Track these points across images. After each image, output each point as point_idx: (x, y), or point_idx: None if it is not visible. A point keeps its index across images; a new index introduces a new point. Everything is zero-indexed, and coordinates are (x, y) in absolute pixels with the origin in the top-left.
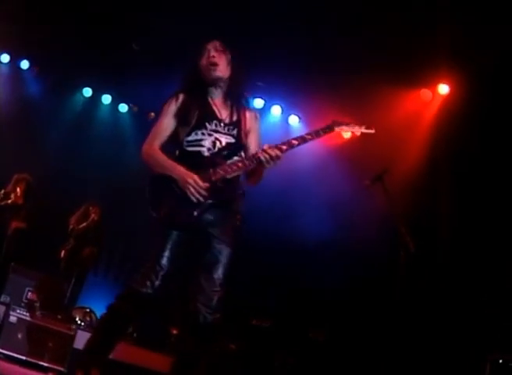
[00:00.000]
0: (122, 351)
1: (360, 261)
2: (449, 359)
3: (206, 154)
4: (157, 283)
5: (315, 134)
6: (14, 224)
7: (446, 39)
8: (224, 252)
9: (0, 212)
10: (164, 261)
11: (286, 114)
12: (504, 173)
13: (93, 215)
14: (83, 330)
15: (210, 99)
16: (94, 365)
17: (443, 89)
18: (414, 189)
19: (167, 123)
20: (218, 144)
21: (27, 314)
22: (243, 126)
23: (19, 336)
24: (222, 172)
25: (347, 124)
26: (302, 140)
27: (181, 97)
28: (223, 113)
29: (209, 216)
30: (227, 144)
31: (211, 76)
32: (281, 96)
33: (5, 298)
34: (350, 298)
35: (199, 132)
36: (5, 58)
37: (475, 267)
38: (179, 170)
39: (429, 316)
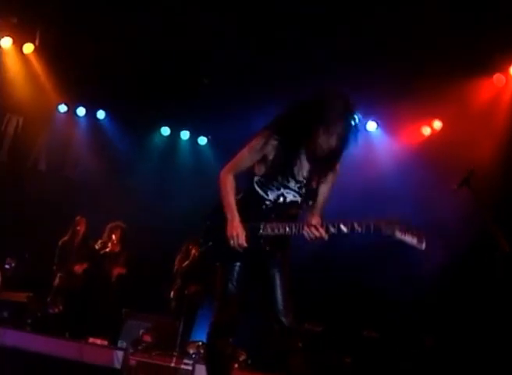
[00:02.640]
0: None
1: (451, 263)
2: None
3: (268, 204)
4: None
5: (368, 228)
6: (116, 271)
7: None
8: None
9: (100, 261)
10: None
11: (363, 121)
12: None
13: (193, 251)
14: (200, 363)
15: (297, 155)
16: None
17: None
18: (501, 184)
19: (251, 158)
20: (281, 199)
21: (145, 355)
22: (314, 186)
23: None
24: (269, 230)
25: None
26: (351, 227)
27: (273, 139)
28: (301, 170)
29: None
30: (291, 201)
31: (316, 155)
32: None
33: (121, 344)
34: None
35: (270, 180)
36: (81, 111)
37: None
38: (234, 218)
39: None
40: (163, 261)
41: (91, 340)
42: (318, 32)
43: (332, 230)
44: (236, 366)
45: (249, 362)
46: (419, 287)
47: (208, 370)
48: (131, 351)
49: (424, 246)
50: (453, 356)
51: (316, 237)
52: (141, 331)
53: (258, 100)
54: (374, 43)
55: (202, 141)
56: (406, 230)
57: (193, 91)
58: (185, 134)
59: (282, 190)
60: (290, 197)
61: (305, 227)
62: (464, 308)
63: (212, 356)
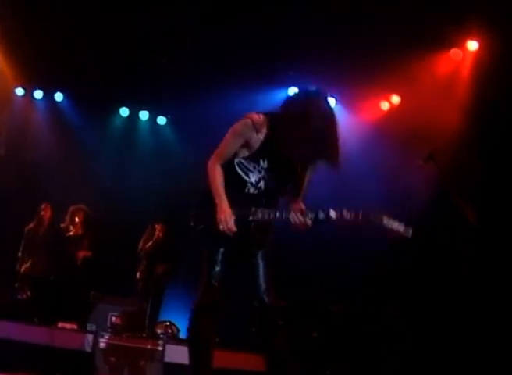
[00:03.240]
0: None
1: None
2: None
3: (250, 189)
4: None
5: (357, 216)
6: (81, 254)
7: None
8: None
9: (64, 245)
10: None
11: None
12: None
13: (157, 232)
14: (169, 343)
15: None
16: None
17: (472, 45)
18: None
19: (235, 143)
20: (262, 183)
21: (115, 338)
22: (295, 180)
23: (112, 359)
24: (260, 215)
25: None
26: (340, 214)
27: (260, 125)
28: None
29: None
30: (271, 188)
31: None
32: (314, 82)
33: (90, 327)
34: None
35: (252, 163)
36: (39, 94)
37: None
38: (222, 203)
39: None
40: (128, 242)
41: (61, 324)
42: (270, 8)
43: (322, 215)
44: None
45: (217, 340)
46: (383, 261)
47: (190, 353)
48: (101, 333)
49: (410, 233)
50: (420, 327)
51: (302, 224)
52: (110, 314)
53: (216, 79)
54: (332, 18)
55: (162, 120)
56: (393, 218)
57: (152, 70)
58: (144, 115)
59: (263, 173)
60: (269, 182)
61: (291, 213)
62: (431, 281)
63: (194, 339)
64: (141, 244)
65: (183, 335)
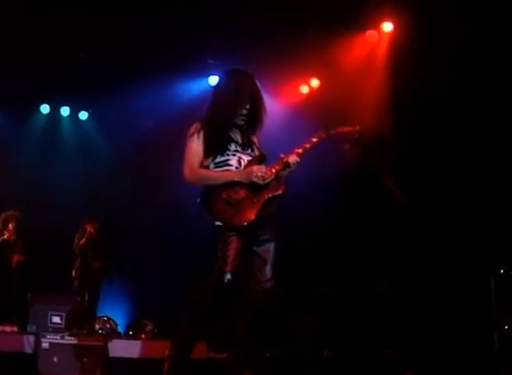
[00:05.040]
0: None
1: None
2: (455, 275)
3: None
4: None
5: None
6: (15, 258)
7: None
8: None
9: None
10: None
11: None
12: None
13: (89, 229)
14: (110, 338)
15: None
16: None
17: (388, 27)
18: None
19: (197, 146)
20: (242, 162)
21: (57, 337)
22: (255, 145)
23: (55, 359)
24: (269, 174)
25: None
26: (312, 143)
27: (202, 131)
28: (237, 136)
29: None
30: (248, 161)
31: (236, 123)
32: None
33: (31, 328)
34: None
35: (224, 153)
36: None
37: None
38: (235, 172)
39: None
40: (61, 241)
41: (0, 328)
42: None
43: (300, 150)
44: (143, 336)
45: (155, 331)
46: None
47: (189, 325)
48: (42, 334)
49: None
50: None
51: (297, 162)
52: (49, 313)
53: (136, 72)
54: (246, 3)
55: (83, 115)
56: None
57: (71, 66)
58: (65, 110)
59: (237, 154)
60: (245, 157)
61: (287, 158)
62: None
63: (196, 314)
64: (75, 241)
65: (121, 329)
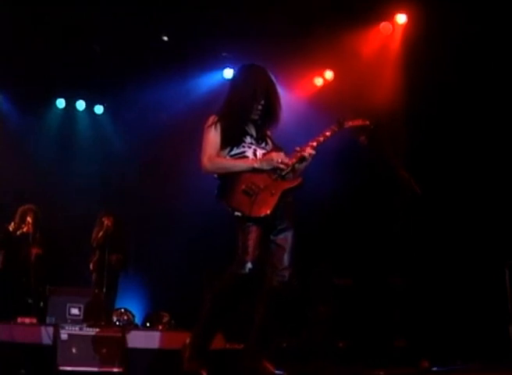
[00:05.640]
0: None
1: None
2: (470, 267)
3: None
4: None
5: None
6: (34, 251)
7: None
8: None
9: (17, 244)
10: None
11: None
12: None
13: (106, 222)
14: (128, 329)
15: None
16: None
17: (401, 19)
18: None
19: (215, 136)
20: (258, 154)
21: (75, 328)
22: (269, 139)
23: (74, 350)
24: (289, 162)
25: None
26: (325, 136)
27: (219, 123)
28: (252, 131)
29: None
30: (263, 154)
31: (252, 118)
32: (247, 61)
33: (50, 320)
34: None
35: (240, 146)
36: None
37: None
38: (255, 159)
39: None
40: (79, 234)
41: (20, 320)
42: None
43: (314, 143)
44: (160, 327)
45: (172, 322)
46: None
47: (209, 315)
48: (61, 325)
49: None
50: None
51: (311, 154)
52: (68, 305)
53: (150, 65)
54: None
55: (99, 109)
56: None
57: (86, 59)
58: (81, 105)
59: (252, 146)
60: (260, 151)
61: (302, 151)
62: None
63: (216, 303)
64: (93, 235)
65: (138, 321)
